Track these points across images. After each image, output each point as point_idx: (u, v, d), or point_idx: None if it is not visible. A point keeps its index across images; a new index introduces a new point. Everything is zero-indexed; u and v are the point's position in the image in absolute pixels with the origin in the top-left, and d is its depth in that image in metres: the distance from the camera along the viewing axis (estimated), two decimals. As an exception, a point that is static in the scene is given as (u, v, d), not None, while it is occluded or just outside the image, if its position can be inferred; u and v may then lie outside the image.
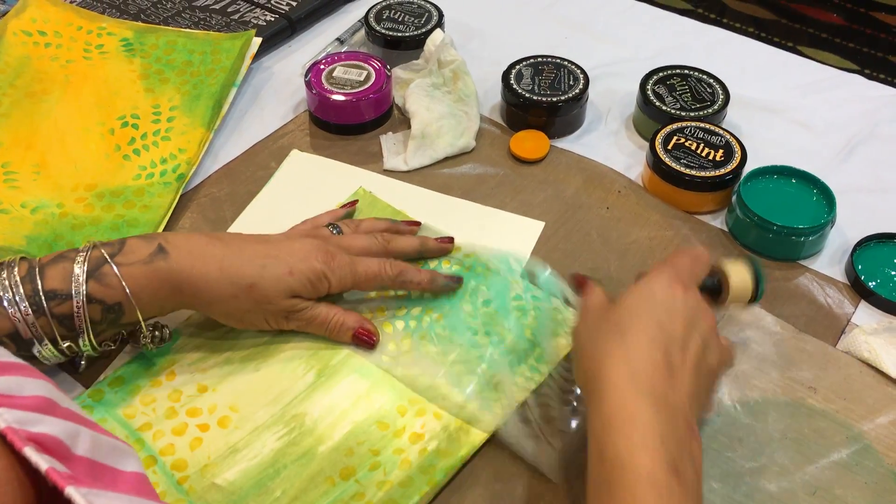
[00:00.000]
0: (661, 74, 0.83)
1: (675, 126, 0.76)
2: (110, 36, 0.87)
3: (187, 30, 0.89)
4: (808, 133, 0.83)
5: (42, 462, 0.33)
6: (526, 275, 0.65)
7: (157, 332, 0.60)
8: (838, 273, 0.69)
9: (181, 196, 0.74)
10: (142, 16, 0.93)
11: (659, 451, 0.45)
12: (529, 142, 0.80)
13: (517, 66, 0.84)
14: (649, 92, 0.81)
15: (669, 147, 0.74)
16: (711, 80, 0.83)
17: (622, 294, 0.53)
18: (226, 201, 0.75)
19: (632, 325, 0.51)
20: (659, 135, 0.75)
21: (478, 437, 0.56)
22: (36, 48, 0.85)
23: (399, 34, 0.88)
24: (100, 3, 0.94)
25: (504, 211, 0.74)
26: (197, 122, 0.79)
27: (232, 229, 0.73)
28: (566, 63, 0.84)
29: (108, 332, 0.57)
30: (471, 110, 0.81)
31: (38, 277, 0.54)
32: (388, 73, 0.82)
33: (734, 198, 0.71)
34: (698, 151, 0.74)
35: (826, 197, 0.71)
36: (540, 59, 0.84)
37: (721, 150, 0.74)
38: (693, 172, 0.72)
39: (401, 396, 0.58)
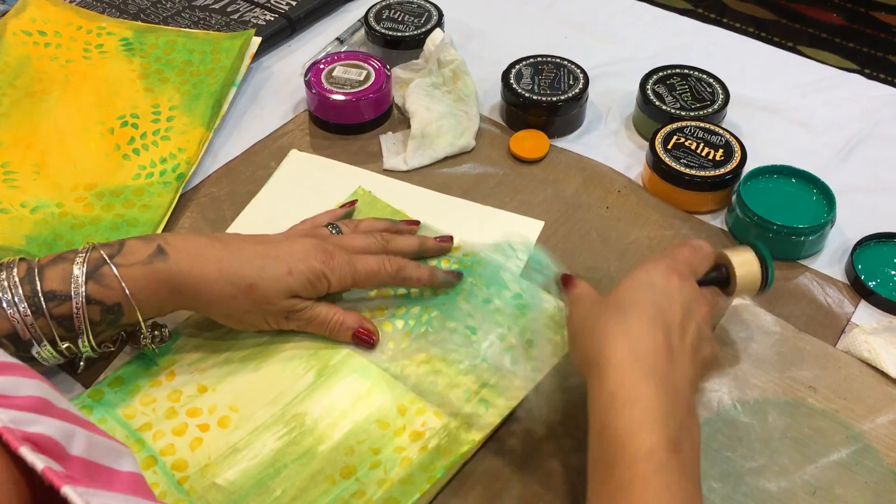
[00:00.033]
0: (661, 74, 0.83)
1: (674, 126, 0.76)
2: (110, 36, 0.87)
3: (187, 29, 0.89)
4: (808, 133, 0.83)
5: (38, 462, 0.33)
6: (525, 274, 0.65)
7: (156, 332, 0.60)
8: (838, 273, 0.69)
9: (181, 196, 0.74)
10: (141, 15, 0.93)
11: (660, 430, 0.45)
12: (529, 141, 0.80)
13: (517, 66, 0.84)
14: (649, 91, 0.81)
15: (669, 147, 0.74)
16: (711, 80, 0.83)
17: (620, 280, 0.54)
18: (225, 201, 0.75)
19: (632, 306, 0.51)
20: (659, 134, 0.75)
21: (478, 434, 0.56)
22: (36, 48, 0.84)
23: (399, 34, 0.88)
24: (99, 2, 0.94)
25: (504, 210, 0.74)
26: (196, 122, 0.79)
27: (231, 229, 0.72)
28: (566, 63, 0.84)
29: (108, 332, 0.57)
30: (470, 110, 0.81)
31: (37, 278, 0.54)
32: (388, 73, 0.82)
33: (734, 197, 0.71)
34: (698, 151, 0.74)
35: (826, 196, 0.71)
36: (540, 59, 0.84)
37: (721, 150, 0.74)
38: (693, 172, 0.72)
39: (401, 395, 0.58)
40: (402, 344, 0.61)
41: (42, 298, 0.53)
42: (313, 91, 0.81)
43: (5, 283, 0.53)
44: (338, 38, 0.93)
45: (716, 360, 0.56)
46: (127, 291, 0.55)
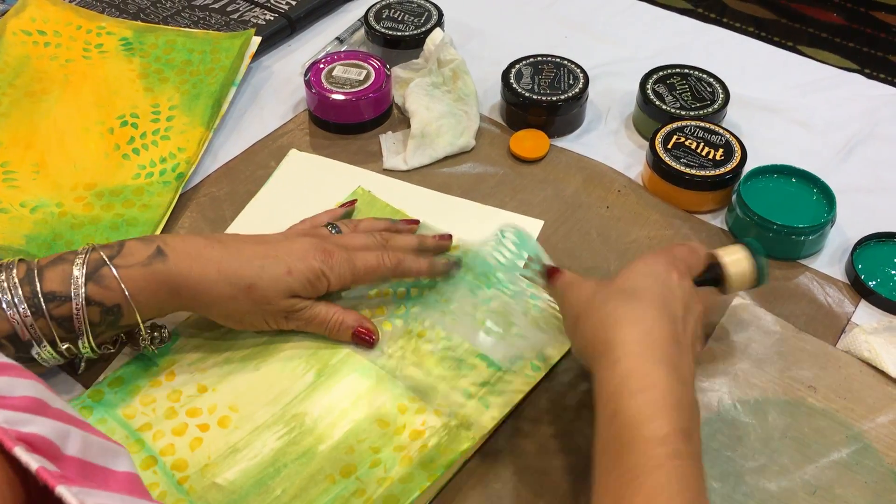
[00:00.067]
0: (661, 74, 0.83)
1: (675, 125, 0.76)
2: (110, 35, 0.87)
3: (187, 29, 0.89)
4: (808, 132, 0.83)
5: (32, 462, 0.33)
6: (524, 271, 0.65)
7: (155, 334, 0.60)
8: (838, 272, 0.69)
9: (181, 195, 0.74)
10: (141, 15, 0.93)
11: (674, 418, 0.45)
12: (529, 141, 0.80)
13: (517, 66, 0.84)
14: (649, 91, 0.81)
15: (669, 146, 0.74)
16: (711, 80, 0.83)
17: (621, 269, 0.54)
18: (225, 200, 0.75)
19: (639, 293, 0.51)
20: (659, 134, 0.75)
21: (478, 433, 0.56)
22: (35, 48, 0.84)
23: (399, 33, 0.88)
24: (99, 2, 0.94)
25: (504, 210, 0.74)
26: (196, 122, 0.79)
27: (231, 229, 0.72)
28: (566, 62, 0.84)
29: (107, 333, 0.57)
30: (470, 109, 0.81)
31: (36, 279, 0.54)
32: (388, 73, 0.82)
33: (734, 197, 0.71)
34: (698, 151, 0.74)
35: (826, 196, 0.71)
36: (540, 59, 0.84)
37: (721, 150, 0.74)
38: (693, 172, 0.72)
39: (401, 395, 0.58)
40: (402, 344, 0.61)
41: (42, 299, 0.53)
42: (313, 91, 0.81)
43: (5, 285, 0.53)
44: (338, 38, 0.93)
45: (699, 359, 0.57)
46: (126, 293, 0.55)
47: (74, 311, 0.54)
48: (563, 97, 0.80)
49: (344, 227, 0.66)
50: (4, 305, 0.53)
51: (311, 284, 0.59)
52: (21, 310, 0.53)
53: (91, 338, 0.56)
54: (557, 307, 0.62)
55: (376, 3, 0.92)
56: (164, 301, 0.57)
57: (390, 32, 0.88)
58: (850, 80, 0.90)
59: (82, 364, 0.59)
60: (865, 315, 0.66)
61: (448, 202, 0.75)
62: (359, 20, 0.94)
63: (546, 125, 0.81)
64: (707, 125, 0.76)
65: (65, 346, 0.55)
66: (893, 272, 0.68)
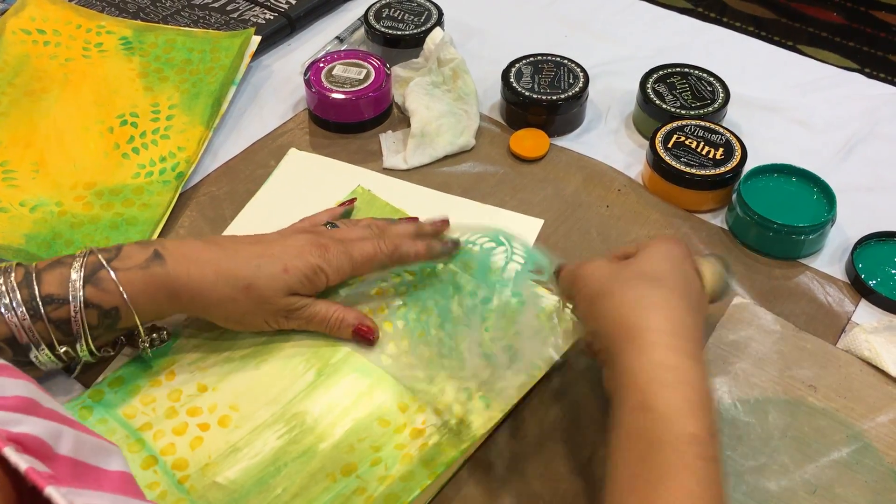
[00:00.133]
0: (661, 73, 0.83)
1: (675, 124, 0.76)
2: (109, 34, 0.86)
3: (186, 28, 0.89)
4: (808, 132, 0.83)
5: (21, 462, 0.33)
6: (523, 273, 0.65)
7: (154, 335, 0.60)
8: (838, 271, 0.69)
9: (180, 194, 0.74)
10: (141, 14, 0.93)
11: (704, 417, 0.45)
12: (529, 140, 0.80)
13: (517, 65, 0.84)
14: (649, 90, 0.81)
15: (669, 145, 0.74)
16: (711, 79, 0.83)
17: (639, 248, 0.53)
18: (225, 200, 0.75)
19: (663, 279, 0.51)
20: (659, 133, 0.75)
21: (479, 430, 0.56)
22: (35, 47, 0.84)
23: (399, 32, 0.88)
24: (99, 1, 0.94)
25: (504, 209, 0.74)
26: (196, 121, 0.79)
27: (230, 228, 0.72)
28: (566, 61, 0.84)
29: (105, 336, 0.57)
30: (470, 109, 0.81)
31: (34, 282, 0.54)
32: (388, 72, 0.82)
33: (734, 196, 0.71)
34: (698, 150, 0.74)
35: (826, 195, 0.71)
36: (540, 58, 0.84)
37: (721, 149, 0.74)
38: (693, 171, 0.72)
39: (402, 393, 0.58)
40: (402, 345, 0.61)
41: (40, 302, 0.53)
42: (313, 90, 0.81)
43: (3, 288, 0.53)
44: (337, 37, 0.93)
45: None
46: (124, 295, 0.55)
47: (72, 314, 0.54)
48: (563, 96, 0.80)
49: (342, 226, 0.66)
50: (3, 309, 0.53)
51: (309, 280, 0.59)
52: (19, 313, 0.53)
53: (90, 341, 0.56)
54: (555, 308, 0.62)
55: (376, 3, 0.92)
56: (162, 304, 0.57)
57: (390, 31, 0.88)
58: (850, 80, 0.90)
59: (77, 368, 0.59)
60: (865, 314, 0.66)
61: (448, 201, 0.75)
62: (359, 19, 0.94)
63: (546, 124, 0.81)
64: (707, 124, 0.76)
65: (63, 350, 0.55)
66: (894, 271, 0.68)
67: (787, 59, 0.94)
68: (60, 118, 0.79)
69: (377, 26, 0.89)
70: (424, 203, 0.74)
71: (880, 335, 0.62)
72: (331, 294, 0.63)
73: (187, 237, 0.71)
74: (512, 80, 0.82)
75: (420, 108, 0.79)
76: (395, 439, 0.56)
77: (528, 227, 0.72)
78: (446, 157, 0.79)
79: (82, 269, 0.55)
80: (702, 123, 0.76)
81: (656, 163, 0.74)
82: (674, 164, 0.73)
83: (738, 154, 0.73)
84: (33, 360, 0.55)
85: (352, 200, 0.72)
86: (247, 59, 0.85)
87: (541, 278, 0.60)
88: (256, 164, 0.79)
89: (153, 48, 0.86)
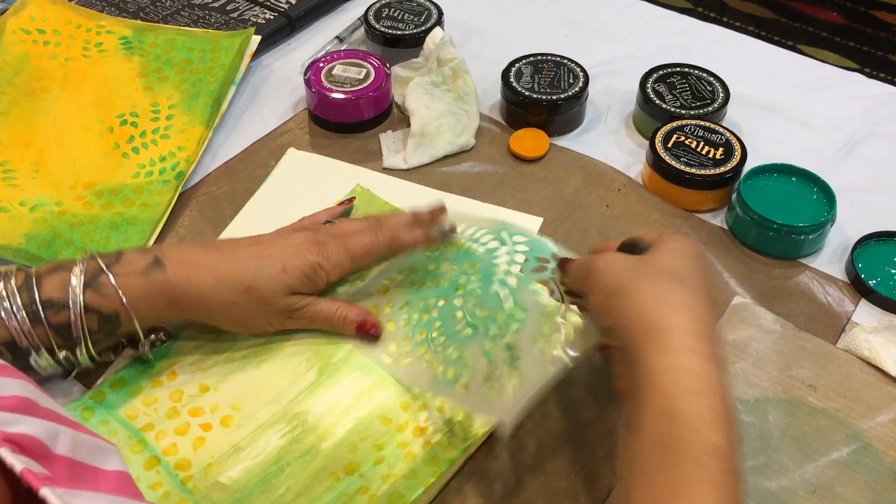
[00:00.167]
0: (661, 73, 0.83)
1: (675, 124, 0.76)
2: (109, 34, 0.86)
3: (186, 28, 0.89)
4: (808, 131, 0.83)
5: (17, 463, 0.33)
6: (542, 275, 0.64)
7: (153, 336, 0.60)
8: (838, 271, 0.69)
9: (180, 194, 0.74)
10: (141, 14, 0.93)
11: (727, 428, 0.44)
12: (529, 140, 0.80)
13: (517, 65, 0.84)
14: (649, 90, 0.81)
15: (669, 145, 0.74)
16: (711, 79, 0.83)
17: (656, 244, 0.52)
18: (225, 199, 0.75)
19: (686, 277, 0.49)
20: (659, 133, 0.75)
21: (481, 429, 0.56)
22: (35, 46, 0.84)
23: (398, 32, 0.88)
24: (99, 1, 0.94)
25: (504, 209, 0.74)
26: (196, 121, 0.79)
27: (230, 228, 0.72)
28: (566, 61, 0.84)
29: (106, 342, 0.57)
30: (470, 108, 0.81)
31: (35, 287, 0.54)
32: (388, 72, 0.82)
33: (734, 196, 0.71)
34: (698, 150, 0.74)
35: (826, 195, 0.71)
36: (540, 58, 0.84)
37: (721, 149, 0.74)
38: (693, 171, 0.72)
39: (403, 392, 0.58)
40: (403, 345, 0.61)
41: (40, 306, 0.53)
42: (313, 90, 0.81)
43: (3, 292, 0.53)
44: (337, 37, 0.93)
45: None
46: (124, 300, 0.55)
47: (72, 319, 0.54)
48: (562, 96, 0.80)
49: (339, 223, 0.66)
50: (2, 313, 0.53)
51: (309, 278, 0.59)
52: (19, 317, 0.53)
53: (90, 346, 0.56)
54: (557, 307, 0.62)
55: (376, 2, 0.92)
56: (163, 310, 0.57)
57: (390, 31, 0.88)
58: (850, 79, 0.90)
59: (75, 371, 0.59)
60: (865, 314, 0.66)
61: (448, 201, 0.74)
62: (359, 19, 0.94)
63: (546, 124, 0.81)
64: (707, 124, 0.76)
65: (63, 355, 0.55)
66: (893, 271, 0.68)
67: (787, 58, 0.94)
68: (60, 118, 0.79)
69: (377, 26, 0.89)
70: (424, 203, 0.74)
71: (880, 335, 0.63)
72: (333, 294, 0.63)
73: (187, 240, 0.71)
74: (512, 79, 0.82)
75: (420, 108, 0.79)
76: (398, 438, 0.56)
77: (527, 226, 0.72)
78: (446, 157, 0.79)
79: (83, 274, 0.55)
80: (702, 123, 0.76)
81: (656, 162, 0.74)
82: (674, 163, 0.73)
83: (737, 154, 0.73)
84: (33, 364, 0.55)
85: (351, 199, 0.72)
86: (247, 59, 0.85)
87: (543, 276, 0.60)
88: (256, 164, 0.79)
89: (153, 48, 0.86)
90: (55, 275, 0.55)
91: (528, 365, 0.59)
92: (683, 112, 0.79)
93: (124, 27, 0.87)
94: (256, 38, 0.86)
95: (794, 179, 0.73)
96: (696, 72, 0.83)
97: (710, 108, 0.79)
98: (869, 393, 0.60)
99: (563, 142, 0.81)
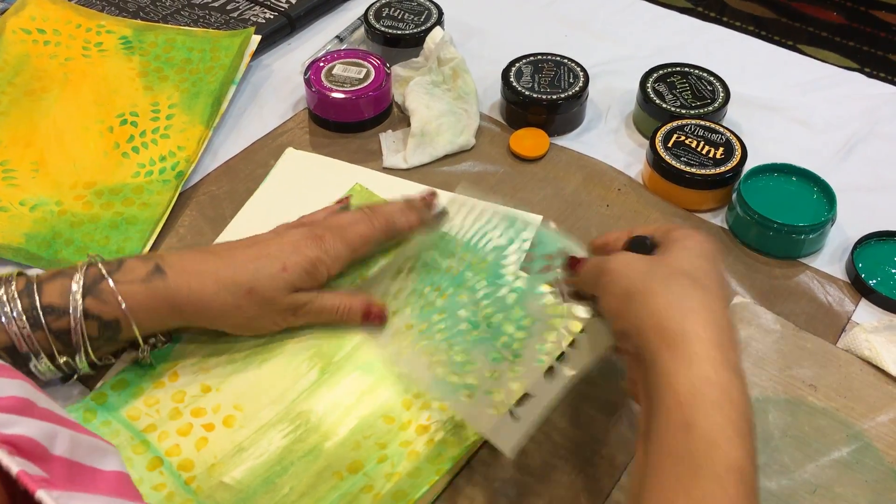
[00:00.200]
0: (661, 72, 0.83)
1: (675, 124, 0.76)
2: (109, 34, 0.86)
3: (186, 27, 0.89)
4: (809, 131, 0.83)
5: (13, 465, 0.32)
6: (547, 275, 0.64)
7: (153, 338, 0.59)
8: (839, 271, 0.69)
9: (180, 194, 0.74)
10: (141, 14, 0.93)
11: (747, 440, 0.42)
12: (529, 140, 0.80)
13: (517, 64, 0.84)
14: (649, 90, 0.81)
15: (669, 145, 0.74)
16: (711, 78, 0.83)
17: (670, 241, 0.51)
18: (225, 199, 0.75)
19: (703, 279, 0.48)
20: (659, 132, 0.75)
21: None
22: (35, 46, 0.84)
23: (399, 32, 0.88)
24: (99, 1, 0.94)
25: (503, 208, 0.74)
26: (196, 120, 0.79)
27: (229, 228, 0.72)
28: (566, 61, 0.84)
29: (106, 348, 0.57)
30: (470, 108, 0.81)
31: (35, 292, 0.54)
32: (388, 71, 0.82)
33: (734, 196, 0.71)
34: (698, 149, 0.74)
35: (826, 195, 0.71)
36: (540, 57, 0.84)
37: (721, 148, 0.74)
38: (693, 170, 0.72)
39: (405, 390, 0.58)
40: (405, 340, 0.61)
41: (40, 312, 0.53)
42: (313, 89, 0.81)
43: (4, 297, 0.53)
44: (337, 37, 0.92)
45: None
46: (124, 306, 0.55)
47: (72, 325, 0.54)
48: (563, 96, 0.80)
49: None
50: (3, 318, 0.53)
51: (310, 274, 0.59)
52: (19, 322, 0.53)
53: (90, 352, 0.56)
54: (559, 306, 0.62)
55: (376, 2, 0.92)
56: (165, 317, 0.57)
57: (390, 31, 0.88)
58: (850, 79, 0.90)
59: (74, 377, 0.59)
60: (866, 314, 0.66)
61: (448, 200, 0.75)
62: (359, 18, 0.94)
63: (546, 124, 0.81)
64: (707, 124, 0.76)
65: (62, 360, 0.55)
66: (894, 271, 0.68)
67: (787, 58, 0.94)
68: (60, 118, 0.79)
69: (377, 26, 0.89)
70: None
71: (880, 335, 0.63)
72: (336, 289, 0.63)
73: (187, 239, 0.71)
74: (512, 79, 0.82)
75: (420, 108, 0.79)
76: (401, 436, 0.56)
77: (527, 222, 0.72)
78: (446, 157, 0.79)
79: (83, 280, 0.55)
80: (702, 123, 0.76)
81: (656, 162, 0.74)
82: (674, 163, 0.73)
83: (738, 153, 0.73)
84: (32, 369, 0.55)
85: (347, 198, 0.72)
86: (247, 59, 0.85)
87: (549, 277, 0.60)
88: (256, 164, 0.79)
89: (153, 47, 0.85)
90: (56, 280, 0.55)
91: (531, 380, 0.58)
92: (683, 112, 0.79)
93: (124, 27, 0.87)
94: (256, 38, 0.86)
95: (794, 179, 0.73)
96: (697, 71, 0.83)
97: (711, 108, 0.79)
98: (869, 393, 0.60)
99: (564, 141, 0.81)
